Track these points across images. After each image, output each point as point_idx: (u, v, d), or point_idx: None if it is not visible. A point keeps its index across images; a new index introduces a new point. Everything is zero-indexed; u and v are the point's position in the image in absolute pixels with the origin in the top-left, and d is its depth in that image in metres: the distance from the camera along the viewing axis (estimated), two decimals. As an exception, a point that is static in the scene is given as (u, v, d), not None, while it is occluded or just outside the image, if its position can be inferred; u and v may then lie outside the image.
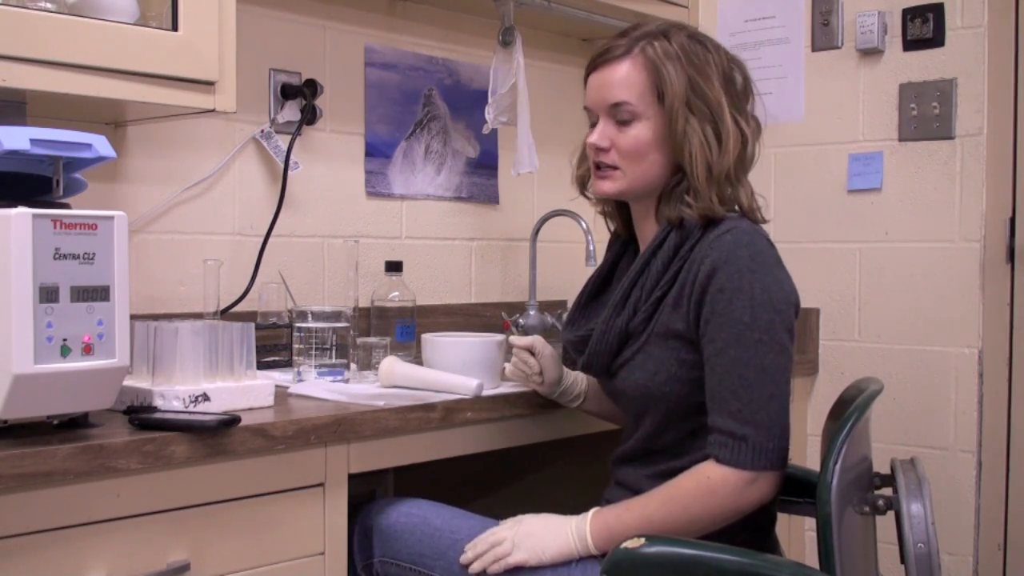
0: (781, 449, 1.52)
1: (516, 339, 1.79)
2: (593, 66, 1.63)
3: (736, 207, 1.60)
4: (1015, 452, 2.42)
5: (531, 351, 1.77)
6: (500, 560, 1.54)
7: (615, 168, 1.61)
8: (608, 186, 1.63)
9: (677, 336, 1.55)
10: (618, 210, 1.74)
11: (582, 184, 1.74)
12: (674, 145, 1.56)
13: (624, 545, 1.36)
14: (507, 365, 1.83)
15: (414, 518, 1.70)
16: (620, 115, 1.58)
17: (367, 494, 1.84)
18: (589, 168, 1.67)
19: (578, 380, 1.83)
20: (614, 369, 1.63)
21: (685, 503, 1.50)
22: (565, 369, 1.81)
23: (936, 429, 2.47)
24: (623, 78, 1.58)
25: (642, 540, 1.37)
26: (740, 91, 1.61)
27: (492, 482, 2.32)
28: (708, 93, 1.55)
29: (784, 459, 1.53)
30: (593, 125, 1.64)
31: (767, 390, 1.50)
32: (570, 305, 1.83)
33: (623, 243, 1.75)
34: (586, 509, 1.60)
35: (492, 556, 1.55)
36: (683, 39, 1.58)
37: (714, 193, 1.55)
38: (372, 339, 2.02)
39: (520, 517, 1.59)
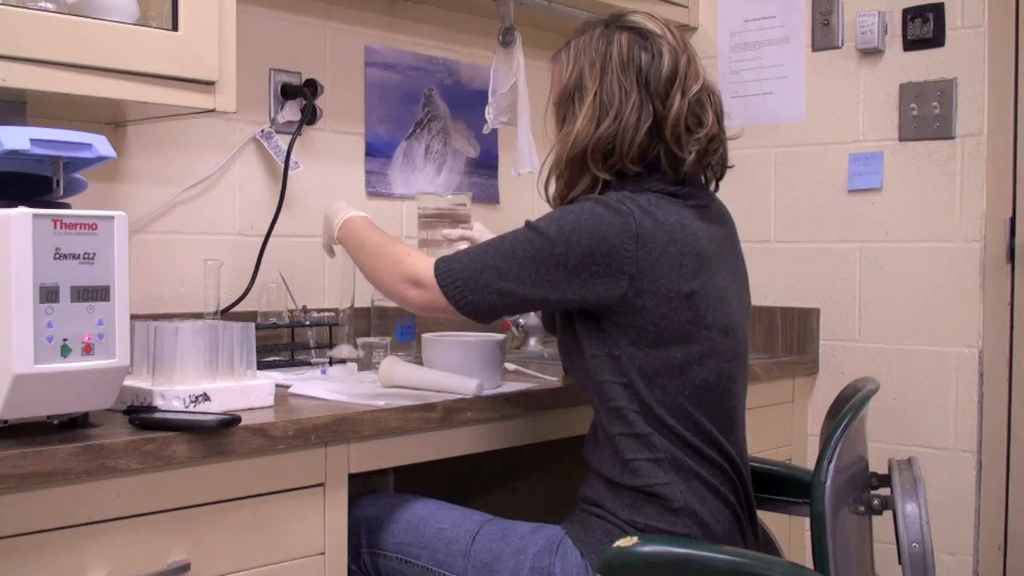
0: (463, 295, 1.58)
1: (449, 232, 1.93)
2: None
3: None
4: (1015, 452, 2.42)
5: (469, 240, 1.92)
6: None
7: None
8: None
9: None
10: None
11: None
12: None
13: (617, 544, 1.37)
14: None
15: (400, 510, 1.72)
16: None
17: (366, 493, 1.84)
18: None
19: None
20: None
21: (386, 252, 1.69)
22: None
23: (936, 429, 2.47)
24: (552, 80, 1.71)
25: (635, 539, 1.37)
26: (646, 77, 1.60)
27: (492, 481, 2.32)
28: (585, 84, 1.61)
29: (460, 304, 1.58)
30: None
31: (495, 256, 1.57)
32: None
33: None
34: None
35: None
36: (595, 35, 1.63)
37: (566, 179, 1.65)
38: (372, 339, 2.02)
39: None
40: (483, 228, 1.97)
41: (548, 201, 1.70)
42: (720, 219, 1.68)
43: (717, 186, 1.70)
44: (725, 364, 1.59)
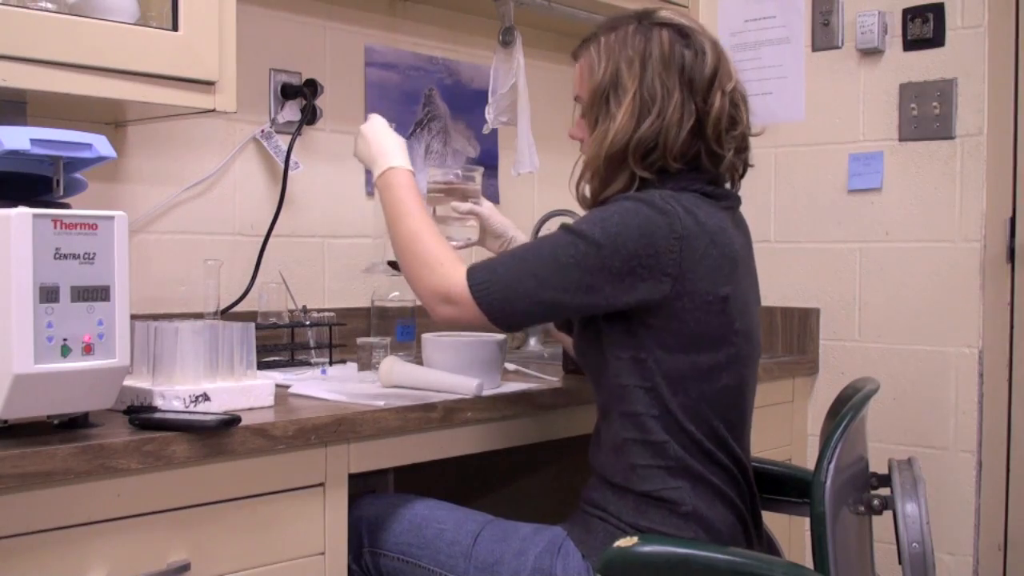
0: (501, 307, 1.53)
1: (458, 205, 1.88)
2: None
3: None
4: (1015, 452, 2.42)
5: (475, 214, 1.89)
6: None
7: None
8: None
9: None
10: None
11: None
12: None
13: (617, 544, 1.36)
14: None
15: (402, 510, 1.72)
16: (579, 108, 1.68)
17: (367, 494, 1.84)
18: None
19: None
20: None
21: (420, 247, 1.61)
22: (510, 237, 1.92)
23: (936, 429, 2.47)
24: (576, 75, 1.68)
25: (635, 539, 1.37)
26: (690, 76, 1.59)
27: (492, 482, 2.32)
28: (623, 82, 1.58)
29: (497, 317, 1.53)
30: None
31: (535, 263, 1.52)
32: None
33: None
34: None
35: None
36: (629, 31, 1.61)
37: (602, 177, 1.60)
38: (372, 339, 2.02)
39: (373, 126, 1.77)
40: (492, 206, 1.94)
41: (579, 199, 1.67)
42: (742, 223, 1.68)
43: (738, 186, 1.69)
44: (744, 370, 1.59)
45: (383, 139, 1.74)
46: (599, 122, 1.61)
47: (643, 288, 1.49)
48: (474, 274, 1.54)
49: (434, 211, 1.91)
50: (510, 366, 2.08)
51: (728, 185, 1.67)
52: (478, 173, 1.96)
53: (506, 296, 1.52)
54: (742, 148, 1.63)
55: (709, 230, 1.52)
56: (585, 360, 1.66)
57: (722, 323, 1.54)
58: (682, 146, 1.56)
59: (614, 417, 1.58)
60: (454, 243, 1.83)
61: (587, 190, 1.65)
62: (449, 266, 1.57)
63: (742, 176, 1.68)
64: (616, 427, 1.57)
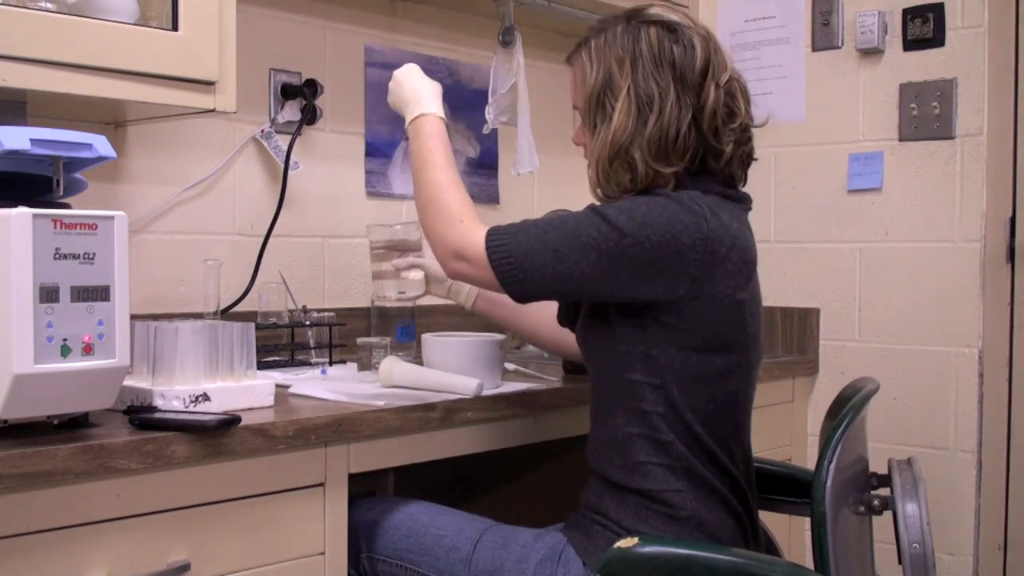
0: (514, 274, 1.52)
1: (399, 262, 1.84)
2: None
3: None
4: (1015, 452, 2.42)
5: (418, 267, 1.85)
6: None
7: None
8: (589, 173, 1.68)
9: None
10: None
11: None
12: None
13: (618, 544, 1.36)
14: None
15: (400, 515, 1.71)
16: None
17: (367, 494, 1.84)
18: None
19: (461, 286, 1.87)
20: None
21: (441, 199, 1.59)
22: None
23: (936, 429, 2.47)
24: (570, 82, 1.68)
25: (635, 540, 1.37)
26: (681, 71, 1.57)
27: (491, 482, 2.32)
28: (616, 83, 1.57)
29: (508, 282, 1.52)
30: None
31: (556, 237, 1.50)
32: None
33: None
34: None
35: None
36: (617, 32, 1.60)
37: (609, 180, 1.57)
38: (372, 339, 2.02)
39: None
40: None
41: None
42: (749, 225, 1.67)
43: (745, 181, 1.66)
44: (751, 372, 1.60)
45: (417, 84, 1.75)
46: (598, 126, 1.59)
47: (660, 284, 1.48)
48: (493, 236, 1.53)
49: (378, 269, 1.88)
50: (510, 366, 2.08)
51: (742, 184, 1.65)
52: (415, 225, 1.86)
53: (522, 265, 1.50)
54: (743, 140, 1.60)
55: (732, 233, 1.52)
56: (589, 351, 1.64)
57: (735, 327, 1.53)
58: (683, 143, 1.54)
59: (618, 412, 1.57)
60: (403, 295, 1.85)
61: (598, 195, 1.63)
62: (469, 223, 1.56)
63: (747, 167, 1.65)
64: (619, 422, 1.56)
